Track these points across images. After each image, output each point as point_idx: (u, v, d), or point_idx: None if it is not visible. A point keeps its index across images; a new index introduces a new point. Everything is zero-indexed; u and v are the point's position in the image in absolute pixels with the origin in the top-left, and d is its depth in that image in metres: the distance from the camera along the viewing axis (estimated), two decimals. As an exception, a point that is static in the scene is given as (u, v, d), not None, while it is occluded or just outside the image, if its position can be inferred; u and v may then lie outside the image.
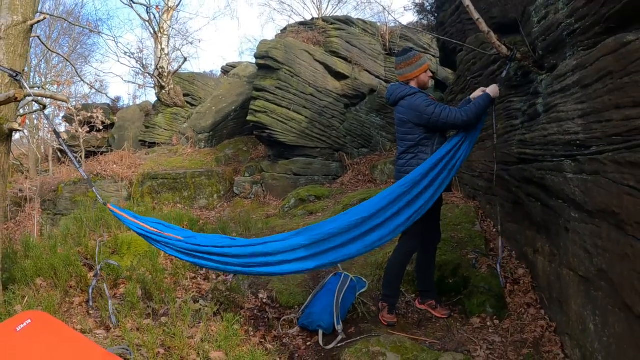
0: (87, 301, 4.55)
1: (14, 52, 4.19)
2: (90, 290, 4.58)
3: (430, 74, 4.55)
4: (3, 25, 4.13)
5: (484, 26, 4.55)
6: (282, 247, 3.99)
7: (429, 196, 4.13)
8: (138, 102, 24.59)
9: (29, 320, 2.81)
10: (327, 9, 21.10)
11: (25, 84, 4.03)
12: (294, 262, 3.97)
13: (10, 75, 4.04)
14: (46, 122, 19.19)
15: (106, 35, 32.19)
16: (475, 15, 4.56)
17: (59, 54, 13.80)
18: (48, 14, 5.01)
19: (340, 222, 3.99)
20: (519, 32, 4.66)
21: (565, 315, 3.84)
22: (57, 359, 2.70)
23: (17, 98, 3.65)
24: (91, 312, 4.39)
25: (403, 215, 4.06)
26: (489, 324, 4.45)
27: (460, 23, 7.52)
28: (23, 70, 4.27)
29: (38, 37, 5.41)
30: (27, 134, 17.24)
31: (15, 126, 4.12)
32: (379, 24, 16.25)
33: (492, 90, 4.30)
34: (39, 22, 4.44)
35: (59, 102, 13.27)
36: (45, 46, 7.28)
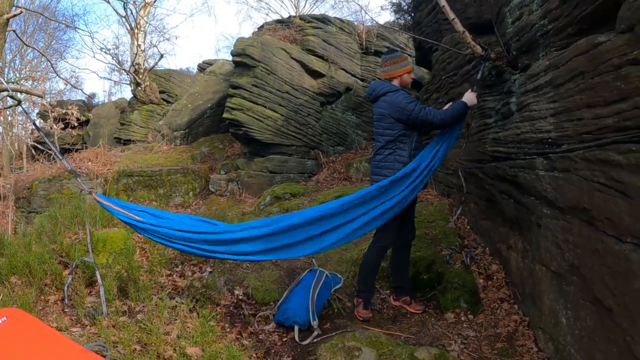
0: (62, 299, 4.50)
1: (-12, 46, 4.14)
2: (66, 288, 4.53)
3: (413, 76, 4.66)
4: (-23, 18, 4.08)
5: (459, 26, 4.61)
6: (261, 233, 4.22)
7: (403, 196, 4.26)
8: (113, 99, 24.27)
9: (5, 318, 2.78)
10: (304, 7, 21.10)
11: (1, 79, 3.98)
12: (272, 251, 4.23)
13: (-16, 70, 3.99)
14: (24, 116, 18.88)
15: (82, 30, 31.74)
16: (451, 15, 4.62)
17: (35, 48, 13.62)
18: (25, 8, 4.94)
19: (316, 210, 4.25)
20: (493, 33, 4.73)
21: (538, 310, 3.91)
22: (34, 356, 2.68)
23: (-10, 92, 3.61)
24: (66, 310, 4.35)
25: (375, 212, 4.23)
26: (463, 318, 4.51)
27: (436, 23, 7.59)
28: (-3, 64, 4.22)
29: (14, 31, 5.33)
30: (1, 130, 16.91)
31: (-11, 121, 4.07)
32: (355, 23, 16.30)
33: (469, 98, 4.46)
34: (15, 15, 4.38)
35: (33, 98, 13.08)
36: (21, 40, 7.18)
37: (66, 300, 4.43)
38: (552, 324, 3.63)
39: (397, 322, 4.58)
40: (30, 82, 20.55)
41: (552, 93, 3.41)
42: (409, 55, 14.72)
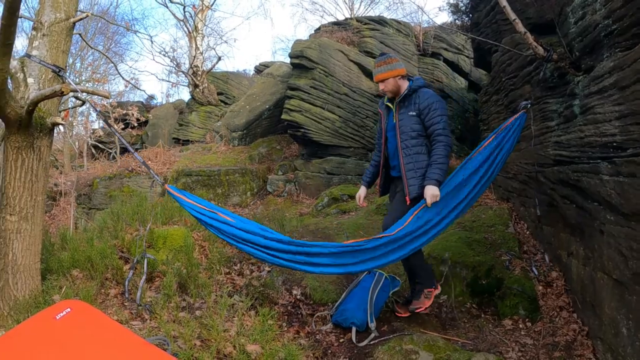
0: (122, 293, 4.66)
1: (56, 48, 4.35)
2: (127, 283, 4.68)
3: (380, 88, 4.41)
4: (46, 22, 4.30)
5: (520, 27, 4.54)
6: (330, 251, 4.13)
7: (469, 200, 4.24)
8: (171, 100, 24.90)
9: (69, 309, 2.87)
10: (358, 9, 21.08)
11: (68, 80, 4.16)
12: (340, 266, 4.14)
13: (54, 71, 4.20)
14: (84, 116, 19.57)
15: (141, 33, 32.68)
16: (512, 15, 4.56)
17: (98, 50, 14.17)
18: (89, 13, 5.15)
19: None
20: (555, 33, 4.64)
21: (598, 319, 3.82)
22: (96, 346, 2.77)
23: (62, 92, 3.75)
24: (126, 303, 4.50)
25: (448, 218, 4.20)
26: (521, 326, 4.45)
27: (495, 23, 7.49)
28: (65, 66, 4.41)
29: (79, 34, 5.55)
30: (63, 130, 17.60)
31: (58, 120, 4.26)
32: (412, 24, 16.20)
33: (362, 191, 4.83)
34: (81, 19, 4.59)
35: (95, 99, 13.59)
36: (86, 42, 7.49)
37: (127, 295, 4.58)
38: (612, 334, 3.54)
39: (455, 327, 4.55)
40: (91, 83, 21.29)
41: (617, 95, 3.33)
42: (466, 56, 14.61)
